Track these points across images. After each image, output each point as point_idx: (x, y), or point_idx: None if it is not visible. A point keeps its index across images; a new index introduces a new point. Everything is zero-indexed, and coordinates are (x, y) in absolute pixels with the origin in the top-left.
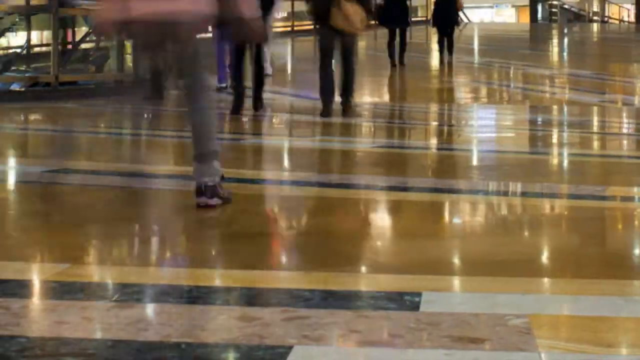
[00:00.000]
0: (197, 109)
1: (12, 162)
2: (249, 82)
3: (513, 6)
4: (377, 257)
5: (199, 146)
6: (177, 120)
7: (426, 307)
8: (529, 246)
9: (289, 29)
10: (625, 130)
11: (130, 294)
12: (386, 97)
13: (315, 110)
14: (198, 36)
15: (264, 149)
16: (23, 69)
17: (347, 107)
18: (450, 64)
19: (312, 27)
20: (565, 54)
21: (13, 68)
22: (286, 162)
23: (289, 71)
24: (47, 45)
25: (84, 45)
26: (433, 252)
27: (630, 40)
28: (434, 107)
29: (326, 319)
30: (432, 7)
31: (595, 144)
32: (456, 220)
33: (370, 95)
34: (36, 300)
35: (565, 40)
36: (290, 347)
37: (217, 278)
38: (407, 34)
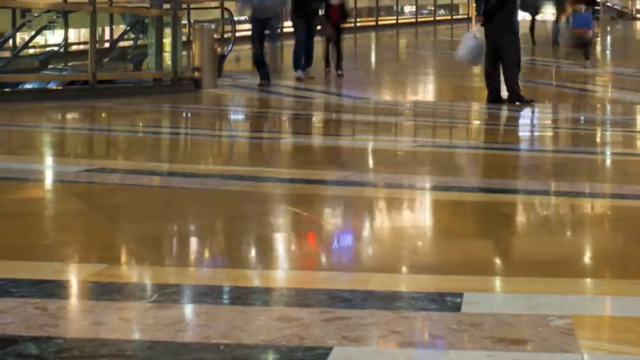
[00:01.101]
0: None
1: (49, 161)
2: None
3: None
4: (417, 257)
5: None
6: (214, 119)
7: (467, 308)
8: (572, 246)
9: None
10: None
11: (168, 294)
12: (426, 95)
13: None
14: None
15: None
16: (60, 67)
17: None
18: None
19: None
20: (608, 52)
21: (50, 66)
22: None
23: None
24: (84, 43)
25: (121, 43)
26: (474, 252)
27: None
28: (475, 106)
29: (366, 319)
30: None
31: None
32: (498, 220)
33: (411, 94)
34: (73, 301)
35: (609, 38)
36: (330, 348)
37: (257, 278)
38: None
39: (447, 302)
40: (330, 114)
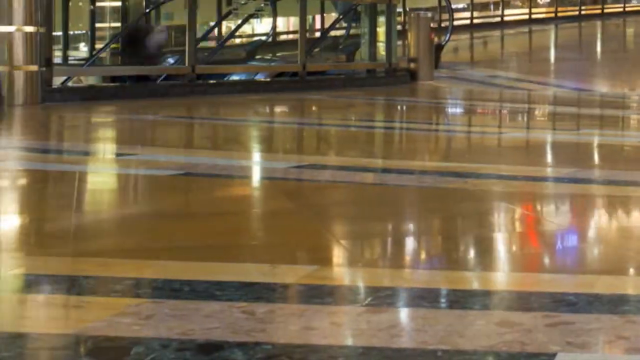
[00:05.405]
0: None
1: (256, 157)
2: None
3: None
4: None
5: None
6: (430, 113)
7: None
8: None
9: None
10: None
11: (382, 297)
12: None
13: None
14: None
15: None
16: (268, 57)
17: None
18: None
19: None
20: None
21: (258, 57)
22: (547, 157)
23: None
24: (294, 32)
25: (333, 33)
26: None
27: None
28: None
29: (592, 324)
30: None
31: None
32: None
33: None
34: (282, 304)
35: None
36: (553, 355)
37: (475, 281)
38: None
39: None
40: (552, 107)
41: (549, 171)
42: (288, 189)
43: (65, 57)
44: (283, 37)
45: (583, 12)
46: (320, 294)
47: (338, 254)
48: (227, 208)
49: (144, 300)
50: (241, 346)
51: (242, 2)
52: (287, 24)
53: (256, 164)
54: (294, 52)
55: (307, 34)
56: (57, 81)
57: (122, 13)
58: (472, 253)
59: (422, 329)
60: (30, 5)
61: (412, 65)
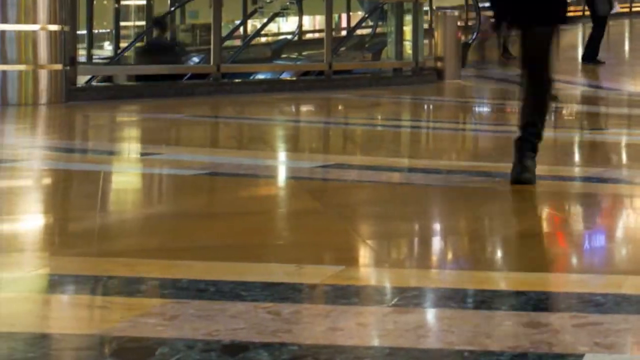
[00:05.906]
0: None
1: (282, 156)
2: None
3: None
4: None
5: None
6: (457, 112)
7: None
8: None
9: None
10: None
11: (409, 298)
12: None
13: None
14: None
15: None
16: (294, 56)
17: None
18: None
19: None
20: None
21: (283, 56)
22: (575, 157)
23: None
24: (319, 31)
25: (359, 31)
26: None
27: None
28: None
29: (620, 325)
30: None
31: None
32: None
33: None
34: (308, 305)
35: None
36: (581, 356)
37: (502, 281)
38: None
39: None
40: (579, 106)
41: (577, 171)
42: (314, 189)
43: (89, 56)
44: (309, 35)
45: (611, 11)
46: (346, 295)
47: (364, 254)
48: (252, 208)
49: (169, 300)
50: (267, 347)
51: (268, 0)
52: (313, 22)
53: (282, 164)
54: (320, 51)
55: (334, 33)
56: (82, 80)
57: (147, 11)
58: (499, 253)
59: (449, 330)
60: (55, 3)
61: (438, 64)
